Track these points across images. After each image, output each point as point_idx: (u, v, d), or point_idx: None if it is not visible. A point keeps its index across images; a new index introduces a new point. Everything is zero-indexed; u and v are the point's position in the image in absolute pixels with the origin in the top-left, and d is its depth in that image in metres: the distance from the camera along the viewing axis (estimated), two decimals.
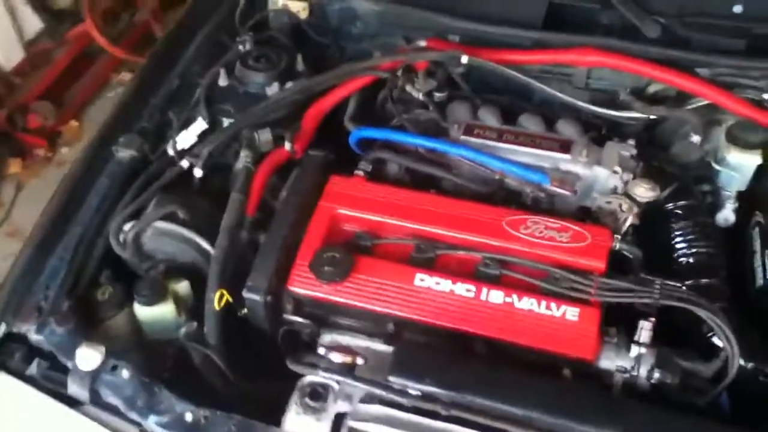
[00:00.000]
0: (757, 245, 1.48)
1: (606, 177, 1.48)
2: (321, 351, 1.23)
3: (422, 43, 1.75)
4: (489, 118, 1.62)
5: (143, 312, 1.35)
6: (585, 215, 1.49)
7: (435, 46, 1.73)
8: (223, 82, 1.68)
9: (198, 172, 1.52)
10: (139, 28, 3.69)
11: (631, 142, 1.54)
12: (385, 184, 1.49)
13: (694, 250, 1.40)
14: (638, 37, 1.67)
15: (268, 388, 1.32)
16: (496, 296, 1.29)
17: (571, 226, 1.37)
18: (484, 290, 1.29)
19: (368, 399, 1.14)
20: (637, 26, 1.66)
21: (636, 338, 1.25)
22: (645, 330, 1.25)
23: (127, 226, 1.42)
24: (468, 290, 1.30)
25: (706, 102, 1.60)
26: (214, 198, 1.52)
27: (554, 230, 1.36)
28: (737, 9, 1.66)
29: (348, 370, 1.20)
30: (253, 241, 1.45)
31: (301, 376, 1.25)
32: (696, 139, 1.60)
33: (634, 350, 1.24)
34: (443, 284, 1.30)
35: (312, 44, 1.89)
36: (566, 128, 1.59)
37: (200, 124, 1.60)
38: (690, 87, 1.60)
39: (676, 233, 1.43)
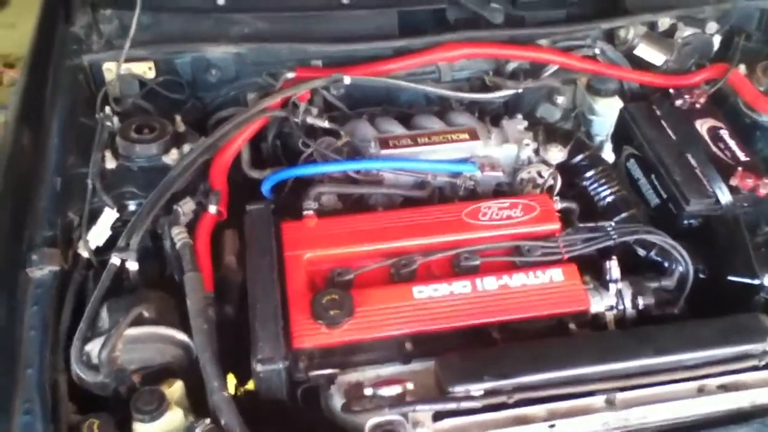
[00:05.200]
0: (639, 173, 1.74)
1: (517, 151, 1.63)
2: (368, 391, 1.20)
3: (290, 75, 1.75)
4: (392, 127, 1.68)
5: (150, 429, 1.19)
6: (503, 191, 1.63)
7: (305, 74, 1.75)
8: (111, 164, 1.52)
9: (133, 266, 1.37)
10: None
11: (519, 116, 1.71)
12: (337, 216, 1.48)
13: (609, 191, 1.61)
14: (483, 25, 1.86)
15: None
16: (491, 283, 1.36)
17: (518, 201, 1.50)
18: (478, 282, 1.36)
19: (439, 416, 1.15)
20: (482, 16, 1.84)
21: (608, 277, 1.41)
22: (614, 267, 1.41)
23: (90, 347, 1.24)
24: (465, 286, 1.35)
25: (556, 68, 1.83)
26: (154, 287, 1.39)
27: (506, 209, 1.48)
28: None
29: (403, 398, 1.19)
30: (223, 316, 1.36)
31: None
32: (561, 100, 1.83)
33: (612, 287, 1.40)
34: (441, 289, 1.35)
35: (167, 103, 1.79)
36: (460, 118, 1.71)
37: (110, 215, 1.43)
38: (543, 58, 1.82)
39: (589, 182, 1.63)
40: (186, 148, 1.57)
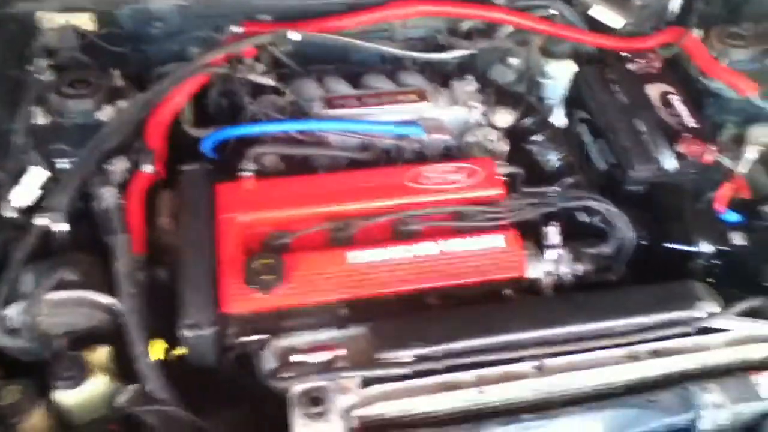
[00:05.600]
0: (588, 138, 1.72)
1: (466, 114, 1.59)
2: (296, 358, 1.18)
3: (237, 30, 1.68)
4: (339, 86, 1.63)
5: (71, 396, 1.16)
6: (452, 154, 1.60)
7: (252, 29, 1.68)
8: (42, 120, 1.47)
9: (61, 227, 1.33)
10: None
11: (470, 77, 1.67)
12: (275, 178, 1.44)
13: (555, 156, 1.59)
14: None
15: (236, 417, 1.24)
16: (430, 248, 1.34)
17: (462, 165, 1.47)
18: (417, 246, 1.34)
19: (366, 383, 1.14)
20: None
21: (547, 243, 1.40)
22: (552, 233, 1.40)
23: (9, 311, 1.20)
24: (401, 252, 1.33)
25: (511, 28, 1.79)
26: (86, 249, 1.35)
27: (450, 173, 1.45)
28: None
29: (332, 364, 1.18)
30: (153, 279, 1.33)
31: (262, 392, 1.21)
32: (515, 61, 1.79)
33: (551, 253, 1.39)
34: (377, 254, 1.33)
35: (108, 57, 1.72)
36: (410, 78, 1.67)
37: (38, 174, 1.38)
38: (498, 17, 1.77)
39: (536, 146, 1.60)
40: (122, 104, 1.51)
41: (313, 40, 1.68)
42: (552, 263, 1.38)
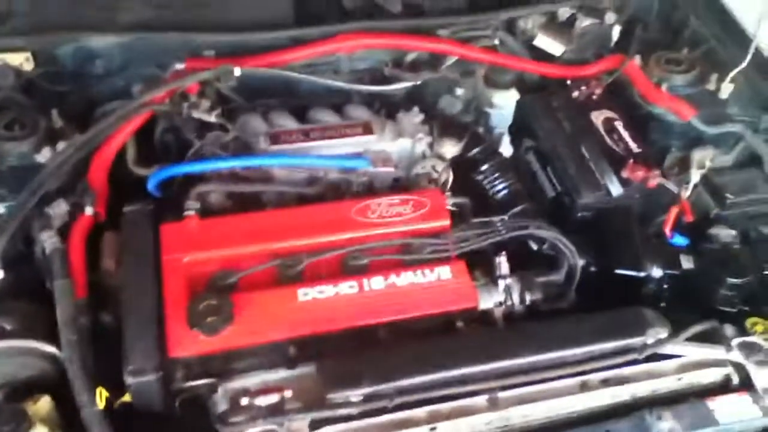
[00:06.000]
0: (536, 166, 1.74)
1: (412, 145, 1.60)
2: (244, 401, 1.16)
3: (180, 66, 1.67)
4: (285, 121, 1.63)
5: None
6: (401, 185, 1.60)
7: (195, 65, 1.67)
8: None
9: None
10: None
11: (416, 109, 1.67)
12: (221, 216, 1.42)
13: (502, 185, 1.60)
14: (381, 14, 1.82)
15: None
16: (378, 282, 1.33)
17: (408, 197, 1.47)
18: (365, 281, 1.33)
19: (316, 425, 1.12)
20: (380, 5, 1.79)
21: (498, 273, 1.40)
22: (503, 263, 1.40)
23: None
24: (351, 287, 1.32)
25: (455, 59, 1.81)
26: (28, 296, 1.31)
27: (397, 206, 1.45)
28: None
29: (280, 407, 1.15)
30: (97, 324, 1.29)
31: None
32: (460, 92, 1.81)
33: (501, 283, 1.39)
34: (327, 290, 1.31)
35: (49, 96, 1.68)
36: (356, 112, 1.67)
37: None
38: (441, 48, 1.79)
39: (483, 176, 1.61)
40: (61, 145, 1.48)
41: (258, 75, 1.68)
42: (502, 293, 1.38)
